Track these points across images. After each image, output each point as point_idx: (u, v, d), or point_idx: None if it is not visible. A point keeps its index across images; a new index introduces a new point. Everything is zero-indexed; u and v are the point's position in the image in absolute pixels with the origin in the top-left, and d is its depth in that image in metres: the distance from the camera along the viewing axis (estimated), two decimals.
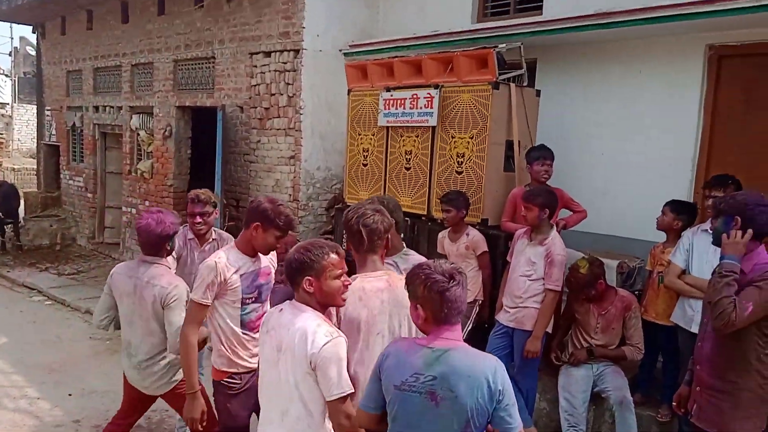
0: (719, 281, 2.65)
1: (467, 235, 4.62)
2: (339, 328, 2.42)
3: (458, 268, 2.11)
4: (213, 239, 4.15)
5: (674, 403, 3.17)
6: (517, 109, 4.92)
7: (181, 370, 3.35)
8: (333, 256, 2.39)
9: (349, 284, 2.45)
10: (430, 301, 2.05)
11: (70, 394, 5.13)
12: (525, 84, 5.13)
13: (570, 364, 4.18)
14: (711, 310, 2.65)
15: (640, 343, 4.11)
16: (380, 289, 2.54)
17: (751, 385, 2.71)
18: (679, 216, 4.17)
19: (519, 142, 4.97)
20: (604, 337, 4.12)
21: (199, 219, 4.01)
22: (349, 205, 5.80)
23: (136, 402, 3.54)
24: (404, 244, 3.32)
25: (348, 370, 2.31)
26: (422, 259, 2.90)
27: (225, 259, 3.01)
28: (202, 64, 8.27)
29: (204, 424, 3.12)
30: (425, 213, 5.31)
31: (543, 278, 4.01)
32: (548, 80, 5.61)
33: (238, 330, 3.10)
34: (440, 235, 4.85)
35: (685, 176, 4.80)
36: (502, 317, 4.25)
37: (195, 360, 3.03)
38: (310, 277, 2.36)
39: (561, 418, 4.07)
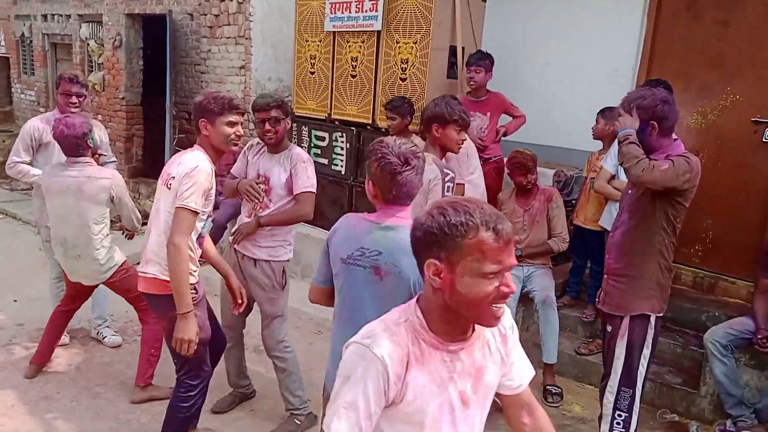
0: (626, 148, 2.72)
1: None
2: None
3: (417, 152, 2.09)
4: None
5: (597, 300, 3.29)
6: (461, 14, 4.82)
7: (116, 255, 3.74)
8: None
9: None
10: (381, 180, 2.06)
11: (15, 300, 5.16)
12: None
13: None
14: (630, 170, 2.69)
15: (564, 233, 4.23)
16: None
17: (653, 269, 2.84)
18: (610, 121, 4.21)
19: (463, 48, 4.90)
20: (531, 233, 4.23)
21: (74, 99, 4.20)
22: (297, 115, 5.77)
23: (78, 291, 3.89)
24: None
25: None
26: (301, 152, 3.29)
27: (209, 164, 2.81)
28: None
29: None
30: (370, 122, 5.28)
31: None
32: None
33: (194, 245, 2.87)
34: None
35: (626, 85, 4.79)
36: None
37: (187, 274, 2.72)
38: None
39: None
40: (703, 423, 3.66)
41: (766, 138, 4.28)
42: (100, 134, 4.33)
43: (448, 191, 2.89)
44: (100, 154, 4.11)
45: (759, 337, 3.43)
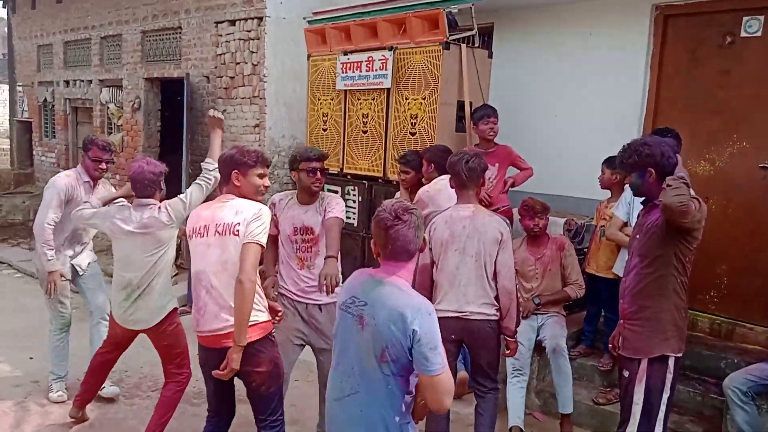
0: (677, 185, 2.65)
1: None
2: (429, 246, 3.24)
3: (411, 208, 2.21)
4: None
5: (610, 346, 3.27)
6: (468, 69, 4.98)
7: (174, 299, 3.75)
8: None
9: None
10: (377, 236, 2.21)
11: (31, 358, 5.18)
12: (476, 46, 5.18)
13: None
14: (675, 208, 2.60)
15: (579, 280, 4.24)
16: (464, 217, 3.29)
17: (668, 310, 2.85)
18: (615, 170, 4.26)
19: (471, 103, 5.03)
20: (544, 281, 4.23)
21: (104, 165, 4.35)
22: None
23: (121, 339, 3.87)
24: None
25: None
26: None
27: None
28: (169, 34, 8.25)
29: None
30: (382, 175, 5.38)
31: None
32: (504, 43, 5.68)
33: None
34: (397, 195, 4.90)
35: (632, 134, 4.88)
36: None
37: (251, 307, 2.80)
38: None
39: (507, 365, 4.17)
40: None
41: None
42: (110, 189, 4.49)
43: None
44: None
45: None
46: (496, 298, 3.30)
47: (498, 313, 3.31)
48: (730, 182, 4.52)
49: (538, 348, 4.23)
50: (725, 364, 3.96)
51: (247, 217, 2.83)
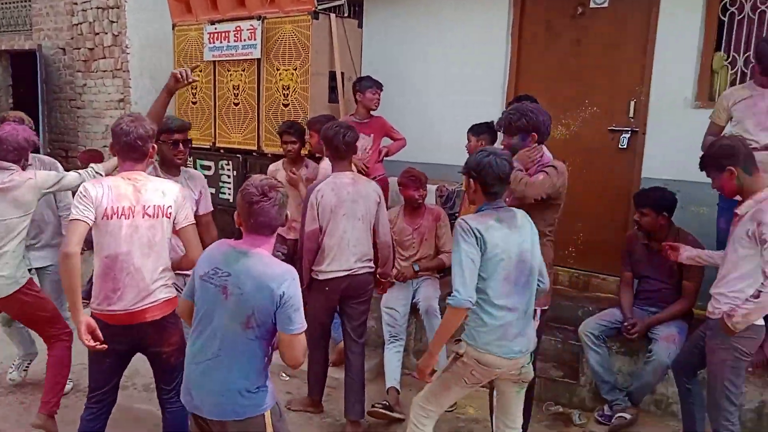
0: (512, 174, 2.85)
1: (306, 167, 4.66)
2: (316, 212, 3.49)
3: (277, 186, 2.29)
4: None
5: None
6: (338, 40, 4.97)
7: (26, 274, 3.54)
8: None
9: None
10: (242, 209, 2.28)
11: None
12: (346, 15, 5.18)
13: (398, 280, 4.37)
14: (516, 189, 2.93)
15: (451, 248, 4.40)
16: (347, 184, 3.54)
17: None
18: (480, 137, 4.44)
19: (342, 73, 5.04)
20: (421, 250, 4.37)
21: None
22: None
23: None
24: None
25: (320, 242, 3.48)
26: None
27: None
28: (18, 2, 7.55)
29: None
30: (256, 148, 5.28)
31: None
32: (374, 14, 5.69)
33: None
34: (272, 167, 4.82)
35: (496, 101, 5.10)
36: None
37: None
38: None
39: (384, 331, 4.29)
40: (584, 410, 3.88)
41: (622, 145, 4.69)
42: None
43: None
44: None
45: (625, 325, 3.72)
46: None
47: (373, 265, 3.72)
48: (584, 145, 4.85)
49: (414, 311, 4.38)
50: (582, 313, 4.28)
51: (177, 199, 2.81)
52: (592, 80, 4.81)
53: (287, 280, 2.22)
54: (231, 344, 2.25)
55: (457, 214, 4.82)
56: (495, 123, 3.51)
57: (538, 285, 2.76)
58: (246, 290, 2.20)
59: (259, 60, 5.12)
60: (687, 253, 3.30)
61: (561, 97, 4.93)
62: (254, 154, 5.31)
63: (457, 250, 2.58)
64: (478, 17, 5.24)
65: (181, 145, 3.33)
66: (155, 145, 2.86)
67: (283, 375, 4.40)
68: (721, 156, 2.85)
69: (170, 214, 2.78)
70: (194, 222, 2.90)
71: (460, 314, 2.58)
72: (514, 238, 2.63)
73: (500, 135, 3.38)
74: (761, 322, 2.78)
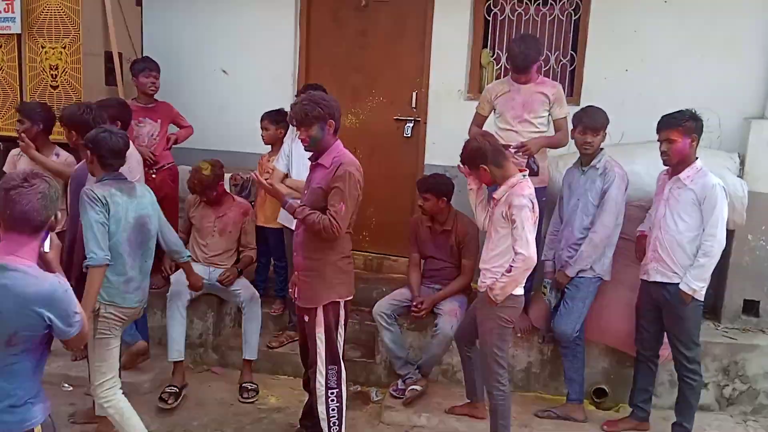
0: (308, 220, 3.04)
1: (56, 155, 4.22)
2: None
3: (46, 177, 2.03)
4: None
5: (290, 290, 3.45)
6: (114, 17, 4.58)
7: None
8: None
9: None
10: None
11: None
12: None
13: None
14: (322, 234, 3.03)
15: (253, 244, 4.38)
16: None
17: (334, 260, 3.13)
18: (279, 125, 4.45)
19: (120, 54, 4.66)
20: (221, 240, 4.26)
21: None
22: None
23: None
24: None
25: None
26: None
27: None
28: None
29: None
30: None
31: None
32: None
33: None
34: (14, 152, 4.30)
35: (287, 89, 5.10)
36: None
37: None
38: None
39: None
40: (381, 387, 4.13)
41: (406, 133, 4.98)
42: None
43: None
44: None
45: (414, 303, 4.01)
46: None
47: None
48: (372, 133, 5.06)
49: (214, 303, 4.28)
50: (377, 294, 4.49)
51: None
52: (378, 71, 5.03)
53: (56, 297, 1.97)
54: None
55: (253, 203, 4.76)
56: (288, 117, 3.50)
57: None
58: (5, 310, 1.91)
59: (19, 35, 4.52)
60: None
61: (350, 86, 5.09)
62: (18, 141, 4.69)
63: (86, 216, 2.91)
64: (267, 3, 5.18)
65: None
66: None
67: (65, 385, 4.02)
68: (472, 157, 3.18)
69: None
70: None
71: (101, 272, 2.92)
72: (133, 205, 3.04)
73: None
74: (520, 291, 3.16)
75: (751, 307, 4.21)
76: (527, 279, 3.19)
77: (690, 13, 4.32)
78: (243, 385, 4.03)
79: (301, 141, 3.16)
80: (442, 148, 4.79)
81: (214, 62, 5.34)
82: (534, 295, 3.99)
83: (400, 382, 3.98)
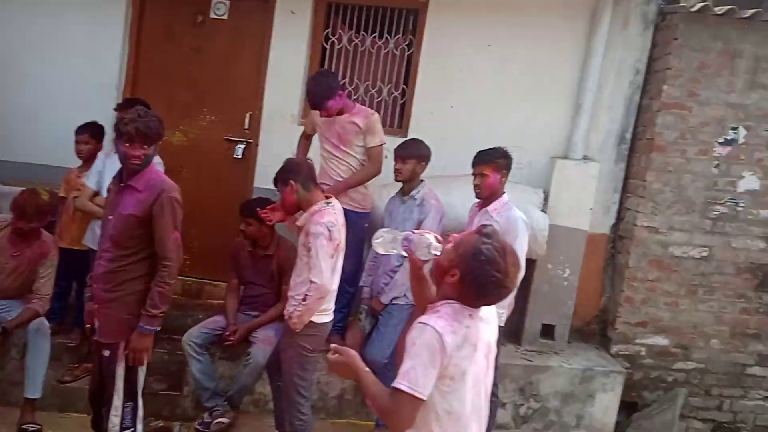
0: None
1: None
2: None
3: None
4: None
5: (87, 325, 3.14)
6: None
7: None
8: None
9: None
10: None
11: None
12: None
13: None
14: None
15: (49, 295, 3.82)
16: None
17: (141, 290, 2.90)
18: (94, 137, 4.19)
19: None
20: (10, 280, 3.77)
21: None
22: None
23: None
24: None
25: None
26: None
27: None
28: None
29: None
30: None
31: None
32: None
33: None
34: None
35: (110, 101, 4.76)
36: None
37: None
38: None
39: None
40: (186, 422, 3.85)
41: (237, 154, 4.82)
42: None
43: None
44: None
45: (227, 332, 3.80)
46: None
47: None
48: (201, 152, 4.85)
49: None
50: (191, 321, 4.20)
51: None
52: (211, 90, 4.87)
53: None
54: None
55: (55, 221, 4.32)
56: (123, 134, 3.05)
57: None
58: None
59: None
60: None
61: (180, 103, 4.88)
62: None
63: None
64: (94, 13, 4.85)
65: None
66: None
67: None
68: (287, 170, 3.14)
69: None
70: None
71: None
72: None
73: None
74: (325, 319, 3.09)
75: (548, 331, 4.49)
76: (344, 305, 3.14)
77: (509, 58, 4.60)
78: (23, 427, 3.56)
79: (133, 157, 2.83)
80: (273, 171, 4.63)
81: (27, 67, 4.89)
82: (351, 321, 3.95)
83: (206, 414, 3.73)
